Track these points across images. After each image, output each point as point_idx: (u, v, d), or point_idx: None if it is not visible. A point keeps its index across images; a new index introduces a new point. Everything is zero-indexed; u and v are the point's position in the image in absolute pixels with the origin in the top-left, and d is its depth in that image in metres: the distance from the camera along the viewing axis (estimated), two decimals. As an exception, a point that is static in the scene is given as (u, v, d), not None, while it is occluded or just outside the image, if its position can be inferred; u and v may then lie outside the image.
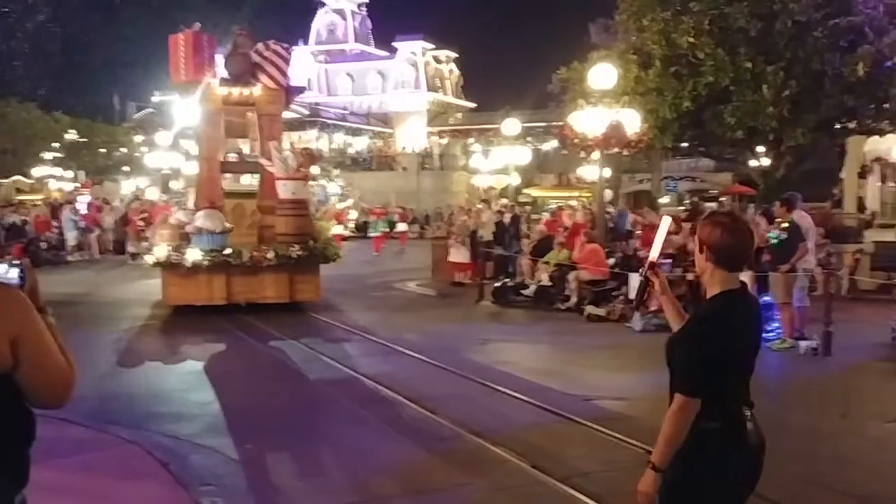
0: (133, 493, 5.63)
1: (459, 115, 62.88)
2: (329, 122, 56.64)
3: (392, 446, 6.71)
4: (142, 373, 9.69)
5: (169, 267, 13.47)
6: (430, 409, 7.63)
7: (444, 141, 58.59)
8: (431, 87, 61.49)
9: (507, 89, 79.17)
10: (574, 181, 38.95)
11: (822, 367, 9.58)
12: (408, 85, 61.00)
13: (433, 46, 61.95)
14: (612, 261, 14.94)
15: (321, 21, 66.14)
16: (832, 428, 7.14)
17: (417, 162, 51.22)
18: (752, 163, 24.21)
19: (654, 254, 3.34)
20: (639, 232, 18.99)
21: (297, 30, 60.41)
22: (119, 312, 14.03)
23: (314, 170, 24.45)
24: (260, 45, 14.85)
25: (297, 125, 47.10)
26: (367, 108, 62.04)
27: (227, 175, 15.66)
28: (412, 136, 58.15)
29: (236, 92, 14.69)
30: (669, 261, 13.94)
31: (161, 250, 13.47)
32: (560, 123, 19.61)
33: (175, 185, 36.58)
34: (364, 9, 66.80)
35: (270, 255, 13.45)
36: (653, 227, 18.49)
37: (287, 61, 14.98)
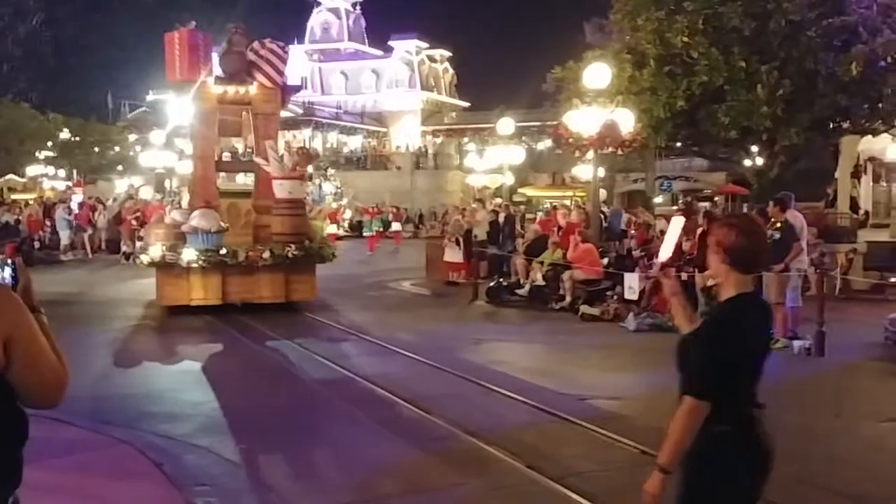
0: (126, 494, 5.62)
1: (454, 115, 62.87)
2: (323, 121, 56.58)
3: (387, 446, 6.71)
4: (135, 373, 9.66)
5: (164, 267, 13.42)
6: (424, 409, 7.62)
7: (439, 140, 58.61)
8: (426, 87, 61.49)
9: (502, 89, 79.48)
10: (568, 181, 38.98)
11: (816, 366, 9.60)
12: (402, 84, 60.98)
13: (428, 45, 61.98)
14: (606, 260, 14.97)
15: (316, 20, 66.09)
16: (826, 428, 7.15)
17: (412, 161, 51.23)
18: (746, 162, 24.23)
19: (664, 254, 3.32)
20: (633, 232, 19.03)
21: (291, 28, 60.47)
22: (113, 312, 14.00)
23: (309, 169, 24.41)
24: (256, 44, 14.80)
25: (292, 124, 47.05)
26: (362, 107, 62.00)
27: (222, 174, 15.63)
28: (407, 136, 58.14)
29: (232, 90, 14.64)
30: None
31: (156, 250, 13.42)
32: (554, 123, 19.59)
33: (169, 184, 36.57)
34: (358, 7, 66.78)
35: (266, 254, 13.42)
36: (647, 227, 18.62)
37: (283, 60, 14.95)
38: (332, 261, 14.80)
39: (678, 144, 24.36)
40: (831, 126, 20.79)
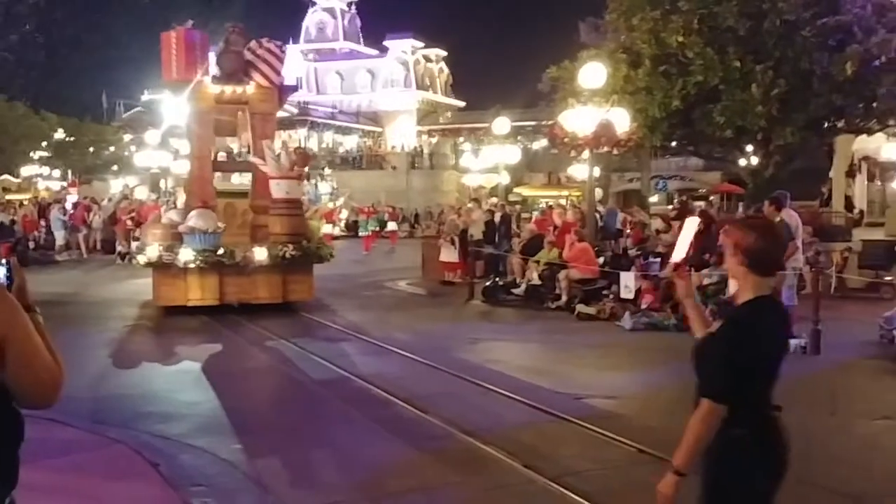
0: (123, 494, 5.61)
1: (449, 114, 62.87)
2: (319, 120, 56.54)
3: (383, 445, 6.70)
4: (132, 373, 9.64)
5: (161, 267, 13.39)
6: (421, 409, 7.62)
7: (434, 140, 58.61)
8: (421, 86, 61.46)
9: (497, 88, 79.20)
10: (564, 180, 39.06)
11: (811, 365, 9.62)
12: (397, 84, 60.94)
13: (423, 45, 61.93)
14: (601, 259, 14.99)
15: (311, 19, 66.02)
16: (821, 426, 7.16)
17: (407, 161, 51.21)
18: (741, 162, 24.29)
19: (679, 255, 3.30)
20: (628, 231, 19.06)
21: (286, 28, 60.41)
22: (108, 312, 13.97)
23: (306, 169, 24.38)
24: (253, 43, 14.78)
25: (287, 124, 46.97)
26: (357, 107, 61.96)
27: (217, 174, 15.60)
28: (402, 135, 58.11)
29: (229, 90, 14.60)
30: (658, 260, 14.01)
31: (153, 250, 13.39)
32: (550, 122, 19.63)
33: (164, 184, 36.51)
34: (353, 7, 66.74)
35: (262, 255, 13.37)
36: (642, 226, 18.64)
37: (281, 59, 14.93)
38: (330, 261, 14.79)
39: (673, 144, 24.38)
40: (826, 125, 20.84)
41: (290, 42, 55.49)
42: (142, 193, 34.24)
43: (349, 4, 66.37)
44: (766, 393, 2.90)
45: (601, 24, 22.53)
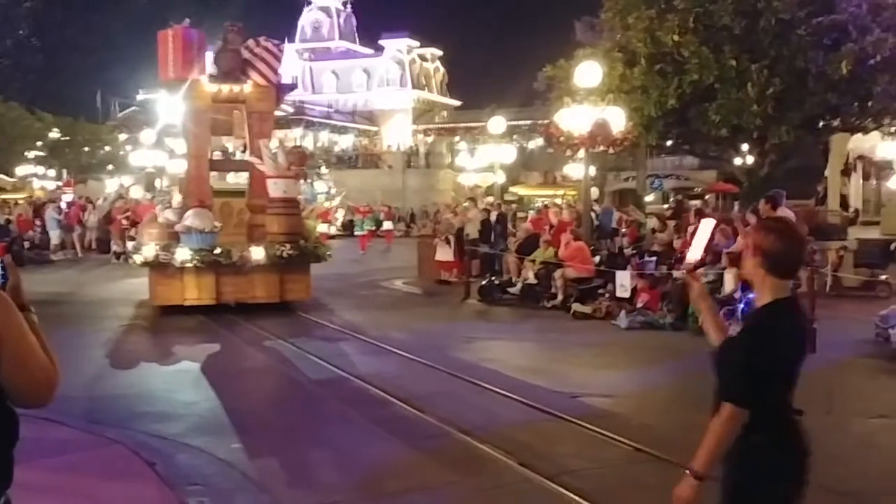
0: (119, 493, 5.60)
1: (445, 114, 62.86)
2: (314, 120, 56.50)
3: (380, 445, 6.70)
4: (128, 372, 9.62)
5: (157, 266, 13.35)
6: (417, 408, 7.62)
7: (430, 139, 58.56)
8: (417, 85, 61.45)
9: (493, 87, 79.43)
10: (560, 179, 39.03)
11: (807, 363, 9.52)
12: (393, 83, 60.93)
13: (419, 44, 61.93)
14: (597, 258, 15.00)
15: (306, 18, 65.99)
16: (817, 425, 7.08)
17: (403, 160, 51.17)
18: (737, 160, 24.32)
19: (694, 256, 3.27)
20: (624, 230, 19.08)
21: (282, 27, 60.30)
22: (104, 312, 13.94)
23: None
24: (251, 42, 14.75)
25: (283, 123, 46.91)
26: (353, 106, 61.94)
27: (213, 173, 15.56)
28: (398, 135, 58.08)
29: (226, 89, 14.54)
30: (654, 259, 14.03)
31: (149, 249, 13.36)
32: (546, 121, 19.62)
33: (159, 183, 36.43)
34: (349, 6, 66.71)
35: (259, 255, 13.35)
36: (638, 225, 18.66)
37: (278, 58, 14.92)
38: (327, 260, 14.78)
39: (669, 143, 24.39)
40: (821, 124, 20.87)
41: (286, 41, 55.48)
42: (137, 193, 34.15)
43: (345, 3, 66.36)
44: (786, 396, 2.88)
45: (597, 22, 22.56)
